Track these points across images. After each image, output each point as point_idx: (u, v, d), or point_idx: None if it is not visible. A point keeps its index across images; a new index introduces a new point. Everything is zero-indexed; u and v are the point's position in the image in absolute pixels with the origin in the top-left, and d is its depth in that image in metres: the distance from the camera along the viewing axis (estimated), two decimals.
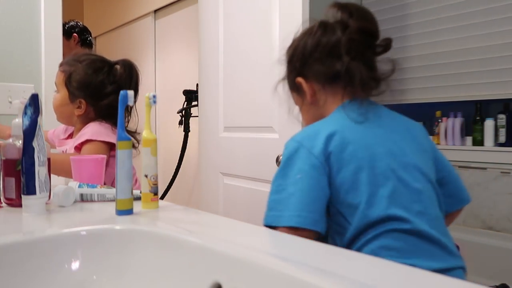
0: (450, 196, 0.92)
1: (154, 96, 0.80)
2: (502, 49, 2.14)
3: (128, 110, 1.29)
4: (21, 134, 0.75)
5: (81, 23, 2.65)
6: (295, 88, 0.95)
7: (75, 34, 2.56)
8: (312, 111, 0.94)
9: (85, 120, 1.28)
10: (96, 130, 1.22)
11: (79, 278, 0.61)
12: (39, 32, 1.74)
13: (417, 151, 0.86)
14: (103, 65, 1.28)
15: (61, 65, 1.31)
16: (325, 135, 0.80)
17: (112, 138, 1.21)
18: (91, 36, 2.67)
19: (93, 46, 2.70)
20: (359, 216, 0.77)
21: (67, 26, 2.50)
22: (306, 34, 0.91)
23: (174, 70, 3.35)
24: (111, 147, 1.21)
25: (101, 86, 1.26)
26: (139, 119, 1.27)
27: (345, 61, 0.84)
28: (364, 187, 0.78)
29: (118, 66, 1.30)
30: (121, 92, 0.75)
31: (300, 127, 1.39)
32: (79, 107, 1.27)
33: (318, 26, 0.90)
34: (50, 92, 1.69)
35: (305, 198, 0.77)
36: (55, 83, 1.31)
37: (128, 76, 1.29)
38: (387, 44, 0.89)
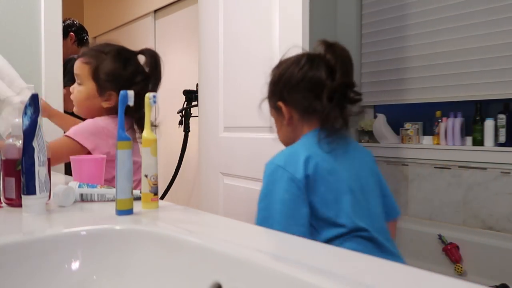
0: (386, 207, 1.08)
1: (154, 96, 0.80)
2: (502, 49, 2.14)
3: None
4: (21, 134, 0.75)
5: (77, 21, 2.60)
6: (275, 109, 1.06)
7: (71, 33, 2.51)
8: (287, 132, 1.06)
9: (110, 111, 1.25)
10: (82, 129, 1.20)
11: (79, 278, 0.61)
12: (39, 32, 1.74)
13: (370, 175, 1.03)
14: (130, 55, 1.27)
15: (81, 56, 1.27)
16: (303, 159, 0.92)
17: (91, 142, 1.18)
18: (87, 35, 2.63)
19: (89, 45, 2.67)
20: (329, 227, 0.92)
21: (63, 25, 2.48)
22: (294, 63, 1.01)
23: (174, 70, 3.35)
24: (88, 151, 1.19)
25: (131, 77, 1.24)
26: (159, 109, 1.27)
27: (325, 105, 0.96)
28: (332, 204, 0.92)
29: (144, 56, 1.28)
30: (121, 92, 0.75)
31: None
32: (107, 99, 1.24)
33: (306, 60, 1.00)
34: (50, 92, 1.70)
35: (292, 213, 0.91)
36: (77, 75, 1.26)
37: (154, 65, 1.28)
38: (360, 97, 1.03)
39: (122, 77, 1.23)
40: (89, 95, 1.25)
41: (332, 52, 0.99)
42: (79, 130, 1.20)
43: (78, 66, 1.26)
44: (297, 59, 1.02)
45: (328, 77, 0.97)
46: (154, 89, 1.26)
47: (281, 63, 1.06)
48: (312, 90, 0.98)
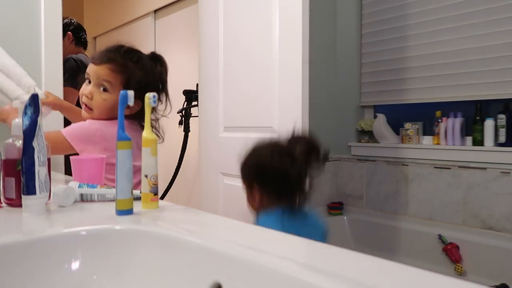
0: None
1: (154, 96, 0.80)
2: (502, 49, 2.14)
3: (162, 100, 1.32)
4: (21, 134, 0.75)
5: (75, 20, 2.56)
6: (249, 186, 1.25)
7: (69, 32, 2.47)
8: (255, 205, 1.25)
9: (128, 117, 1.23)
10: (77, 130, 1.20)
11: (79, 278, 0.61)
12: (39, 32, 1.74)
13: None
14: (148, 61, 1.28)
15: (104, 62, 1.22)
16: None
17: (81, 144, 1.18)
18: (85, 34, 2.60)
19: (88, 45, 2.65)
20: None
21: None
22: (267, 155, 1.19)
23: (174, 70, 3.34)
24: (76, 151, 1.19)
25: (158, 85, 1.28)
26: (172, 108, 1.35)
27: (290, 189, 1.16)
28: None
29: (153, 61, 1.31)
30: (121, 92, 0.75)
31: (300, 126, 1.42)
32: (132, 107, 1.22)
33: (277, 154, 1.17)
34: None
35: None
36: (107, 82, 1.22)
37: (164, 68, 1.31)
38: (326, 158, 1.18)
39: (151, 85, 1.24)
40: (116, 104, 1.24)
41: (297, 143, 1.17)
42: (74, 131, 1.20)
43: (108, 74, 1.22)
44: (270, 151, 1.20)
45: (293, 166, 1.15)
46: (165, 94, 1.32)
47: (255, 150, 1.24)
48: (280, 178, 1.17)
